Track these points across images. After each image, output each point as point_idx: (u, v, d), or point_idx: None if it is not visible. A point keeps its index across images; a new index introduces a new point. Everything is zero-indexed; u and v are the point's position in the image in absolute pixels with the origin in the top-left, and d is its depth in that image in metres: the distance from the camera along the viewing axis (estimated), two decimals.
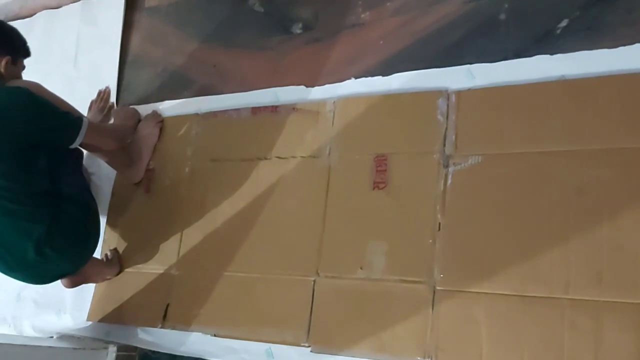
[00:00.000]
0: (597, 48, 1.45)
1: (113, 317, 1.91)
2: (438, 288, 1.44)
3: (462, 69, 1.59)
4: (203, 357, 1.73)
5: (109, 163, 1.98)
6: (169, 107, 2.06)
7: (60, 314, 2.04)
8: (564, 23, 1.51)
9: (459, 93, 1.57)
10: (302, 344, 1.57)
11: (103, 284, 1.97)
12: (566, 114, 1.42)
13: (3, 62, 1.71)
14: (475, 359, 1.36)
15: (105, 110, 2.15)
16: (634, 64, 1.40)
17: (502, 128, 1.49)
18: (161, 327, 1.79)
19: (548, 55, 1.49)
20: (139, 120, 2.05)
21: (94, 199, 1.87)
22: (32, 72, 1.86)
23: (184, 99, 2.04)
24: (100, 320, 1.92)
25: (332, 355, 1.53)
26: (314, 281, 1.61)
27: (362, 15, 1.81)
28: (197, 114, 1.98)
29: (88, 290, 2.00)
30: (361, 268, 1.55)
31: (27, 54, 1.81)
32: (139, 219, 1.99)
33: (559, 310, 1.31)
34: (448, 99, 1.57)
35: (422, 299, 1.45)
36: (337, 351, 1.52)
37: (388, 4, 1.78)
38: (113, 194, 2.06)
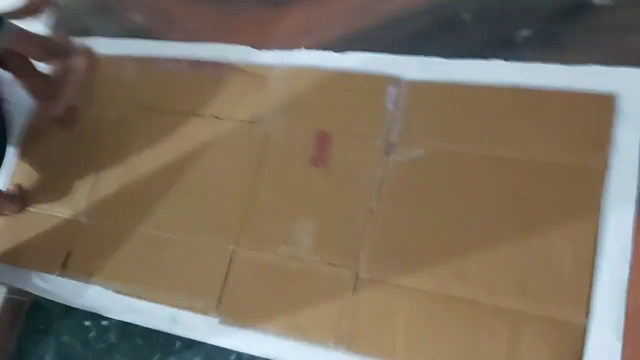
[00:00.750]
0: (552, 62, 1.46)
1: (5, 257, 1.76)
2: (361, 275, 1.41)
3: (418, 60, 1.56)
4: (100, 313, 1.63)
5: (28, 90, 1.81)
6: (102, 45, 1.90)
7: None
8: (525, 33, 1.51)
9: (412, 83, 1.53)
10: (211, 314, 1.50)
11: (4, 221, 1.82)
12: (513, 122, 1.42)
13: None
14: (387, 351, 1.34)
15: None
16: (583, 84, 1.41)
17: (450, 125, 1.47)
18: (59, 275, 1.67)
19: (504, 61, 1.49)
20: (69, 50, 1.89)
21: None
22: None
23: (120, 39, 1.90)
24: None
25: (241, 328, 1.47)
26: (233, 250, 1.54)
27: None
28: (132, 57, 1.85)
29: None
30: (285, 244, 1.49)
31: None
32: (53, 158, 1.84)
33: (479, 313, 1.30)
34: (400, 87, 1.54)
35: (343, 284, 1.42)
36: (247, 325, 1.46)
37: None
38: (28, 127, 1.90)
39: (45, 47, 1.73)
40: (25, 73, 1.74)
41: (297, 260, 1.47)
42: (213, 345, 1.51)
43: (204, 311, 1.50)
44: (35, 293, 1.70)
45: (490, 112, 1.45)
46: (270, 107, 1.64)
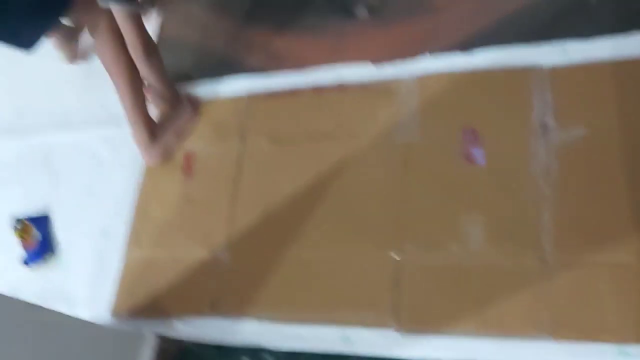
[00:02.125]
0: None
1: (146, 311, 1.68)
2: (550, 260, 1.33)
3: (553, 46, 1.55)
4: (261, 346, 1.53)
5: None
6: (213, 88, 1.92)
7: (73, 309, 1.79)
8: None
9: (554, 69, 1.52)
10: (388, 325, 1.41)
11: (130, 273, 1.75)
12: None
13: None
14: (599, 332, 1.24)
15: None
16: None
17: (606, 102, 1.44)
18: (209, 316, 1.58)
19: None
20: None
21: None
22: None
23: (231, 80, 1.90)
24: (131, 315, 1.69)
25: (426, 336, 1.37)
26: (398, 258, 1.47)
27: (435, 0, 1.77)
28: (248, 95, 1.85)
29: (104, 281, 1.78)
30: (455, 241, 1.43)
31: None
32: (176, 202, 1.80)
33: None
34: (541, 74, 1.52)
35: (532, 272, 1.34)
36: (433, 331, 1.37)
37: None
38: (145, 175, 1.87)
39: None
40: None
41: (472, 256, 1.40)
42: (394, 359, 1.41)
43: (380, 324, 1.41)
44: (183, 339, 1.62)
45: None
46: (405, 116, 1.61)
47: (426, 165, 1.54)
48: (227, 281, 1.62)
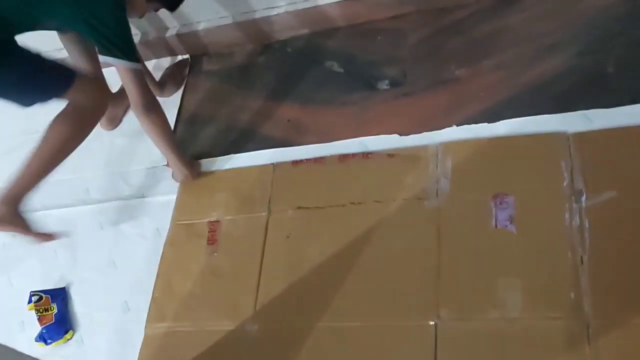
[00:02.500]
0: None
1: None
2: (593, 322, 1.31)
3: (577, 114, 1.59)
4: None
5: None
6: (238, 160, 1.94)
7: None
8: None
9: (580, 134, 1.55)
10: None
11: (151, 346, 1.70)
12: None
13: None
14: None
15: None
16: None
17: (635, 165, 1.46)
18: None
19: None
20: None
21: None
22: None
23: (256, 152, 1.92)
24: None
25: None
26: (436, 325, 1.44)
27: (457, 72, 1.82)
28: (273, 164, 1.86)
29: (126, 357, 1.73)
30: (493, 307, 1.40)
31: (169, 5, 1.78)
32: (201, 273, 1.77)
33: None
34: (567, 140, 1.55)
35: (575, 336, 1.31)
36: None
37: (485, 61, 1.80)
38: (167, 246, 1.86)
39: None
40: None
41: (511, 322, 1.38)
42: None
43: None
44: None
45: None
46: (435, 181, 1.63)
47: (458, 231, 1.54)
48: (257, 354, 1.58)
